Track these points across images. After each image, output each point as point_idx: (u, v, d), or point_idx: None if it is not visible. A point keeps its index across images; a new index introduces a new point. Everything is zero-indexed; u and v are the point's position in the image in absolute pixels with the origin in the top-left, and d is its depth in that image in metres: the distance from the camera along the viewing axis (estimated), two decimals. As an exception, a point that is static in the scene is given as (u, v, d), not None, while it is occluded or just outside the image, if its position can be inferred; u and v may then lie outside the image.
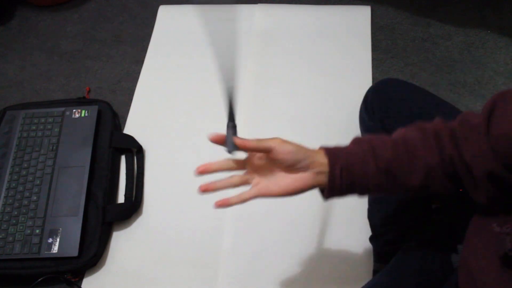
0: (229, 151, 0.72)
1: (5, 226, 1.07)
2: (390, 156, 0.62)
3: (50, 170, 1.14)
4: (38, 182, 1.13)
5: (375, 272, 0.98)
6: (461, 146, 0.59)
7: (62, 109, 1.24)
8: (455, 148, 0.59)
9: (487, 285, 0.60)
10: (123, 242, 1.10)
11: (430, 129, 0.62)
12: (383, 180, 0.62)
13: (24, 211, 1.09)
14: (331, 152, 0.64)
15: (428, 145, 0.61)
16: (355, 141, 0.66)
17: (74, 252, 1.03)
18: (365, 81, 1.28)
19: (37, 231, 1.06)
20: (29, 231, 1.06)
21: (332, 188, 0.64)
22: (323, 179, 0.64)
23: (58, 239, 1.05)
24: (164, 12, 1.51)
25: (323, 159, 0.63)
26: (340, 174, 0.63)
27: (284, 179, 0.66)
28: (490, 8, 1.42)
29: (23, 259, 1.04)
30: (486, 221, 0.65)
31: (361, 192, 0.65)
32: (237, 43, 1.41)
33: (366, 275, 1.00)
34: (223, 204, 0.71)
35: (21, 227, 1.07)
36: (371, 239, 0.99)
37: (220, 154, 1.20)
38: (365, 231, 1.02)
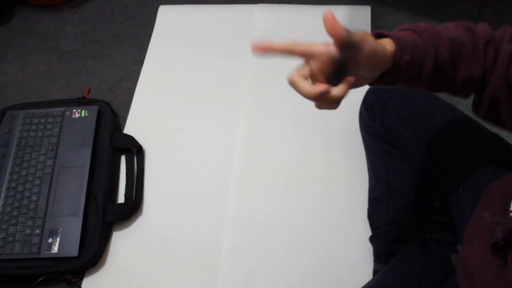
0: None
1: (5, 226, 1.07)
2: (446, 57, 0.63)
3: (50, 170, 1.14)
4: (38, 182, 1.12)
5: (375, 272, 0.98)
6: (496, 64, 0.63)
7: (62, 109, 1.24)
8: (493, 64, 0.63)
9: (483, 277, 0.60)
10: (123, 242, 1.10)
11: (481, 38, 0.64)
12: (429, 79, 0.64)
13: (24, 211, 1.09)
14: (399, 41, 0.62)
15: (476, 55, 0.64)
16: (418, 29, 0.64)
17: (74, 252, 1.03)
18: (365, 81, 1.28)
19: (37, 231, 1.06)
20: (29, 231, 1.06)
21: (391, 80, 0.64)
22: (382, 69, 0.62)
23: (58, 239, 1.05)
24: (164, 12, 1.50)
25: (390, 49, 0.62)
26: (405, 66, 0.63)
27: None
28: (490, 8, 1.42)
29: (23, 259, 1.04)
30: (480, 212, 0.65)
31: (409, 83, 0.66)
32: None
33: (366, 275, 1.00)
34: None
35: (21, 227, 1.06)
36: (371, 239, 0.99)
37: (221, 155, 1.20)
38: (365, 231, 1.02)
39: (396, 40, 0.62)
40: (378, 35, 0.64)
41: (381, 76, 0.64)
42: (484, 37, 0.64)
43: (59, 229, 1.06)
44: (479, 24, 0.67)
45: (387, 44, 0.62)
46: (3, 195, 1.11)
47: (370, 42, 0.59)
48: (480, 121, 0.87)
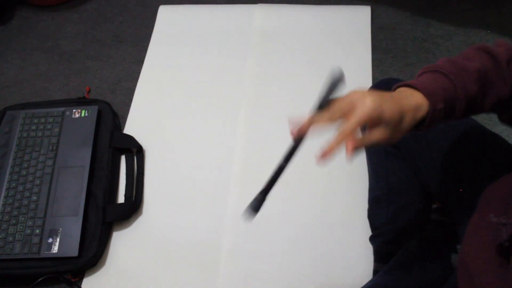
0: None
1: (5, 226, 1.07)
2: (476, 90, 0.63)
3: (50, 170, 1.14)
4: (38, 182, 1.12)
5: (375, 272, 0.98)
6: None
7: (62, 109, 1.24)
8: None
9: (483, 277, 0.60)
10: (123, 242, 1.10)
11: (503, 60, 0.64)
12: (463, 112, 0.64)
13: (24, 211, 1.09)
14: (430, 93, 0.62)
15: (502, 78, 0.64)
16: (445, 70, 0.64)
17: (74, 252, 1.03)
18: (365, 81, 1.28)
19: (37, 231, 1.06)
20: (29, 231, 1.06)
21: (428, 126, 0.63)
22: (418, 118, 0.62)
23: (58, 239, 1.05)
24: (164, 12, 1.51)
25: (422, 101, 0.61)
26: (438, 114, 0.62)
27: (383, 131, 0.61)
28: (490, 8, 1.42)
29: (23, 259, 1.04)
30: (484, 213, 0.65)
31: (441, 122, 0.65)
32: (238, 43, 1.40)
33: (366, 275, 1.00)
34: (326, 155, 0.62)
35: (21, 227, 1.06)
36: (371, 239, 0.99)
37: (221, 154, 1.20)
38: (365, 231, 1.02)
39: (427, 95, 0.61)
40: (403, 85, 0.64)
41: (416, 126, 0.64)
42: (505, 58, 0.64)
43: (59, 229, 1.06)
44: (496, 42, 0.67)
45: (419, 101, 0.61)
46: (3, 195, 1.11)
47: (408, 119, 0.60)
48: (480, 121, 0.88)
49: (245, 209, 0.68)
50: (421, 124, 0.63)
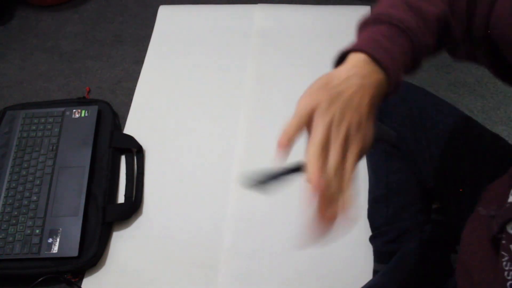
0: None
1: (5, 226, 1.07)
2: (432, 44, 0.57)
3: (50, 170, 1.14)
4: (38, 182, 1.13)
5: (375, 272, 0.98)
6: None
7: (62, 109, 1.24)
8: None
9: (482, 275, 0.60)
10: (123, 242, 1.10)
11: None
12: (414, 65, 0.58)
13: (24, 211, 1.09)
14: (393, 71, 0.55)
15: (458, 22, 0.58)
16: (402, 24, 0.57)
17: (74, 252, 1.03)
18: (365, 81, 1.28)
19: (37, 231, 1.06)
20: (29, 231, 1.06)
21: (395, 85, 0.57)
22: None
23: (58, 239, 1.05)
24: (164, 12, 1.51)
25: (382, 80, 0.54)
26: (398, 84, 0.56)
27: None
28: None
29: (23, 259, 1.04)
30: (476, 208, 0.64)
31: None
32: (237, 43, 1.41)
33: (366, 275, 1.00)
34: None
35: (21, 227, 1.07)
36: (371, 239, 0.99)
37: (221, 154, 1.20)
38: (365, 231, 1.02)
39: (391, 74, 0.55)
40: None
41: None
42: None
43: (59, 229, 1.06)
44: None
45: (381, 81, 0.55)
46: (3, 195, 1.12)
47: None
48: (480, 121, 0.88)
49: (250, 177, 0.55)
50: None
